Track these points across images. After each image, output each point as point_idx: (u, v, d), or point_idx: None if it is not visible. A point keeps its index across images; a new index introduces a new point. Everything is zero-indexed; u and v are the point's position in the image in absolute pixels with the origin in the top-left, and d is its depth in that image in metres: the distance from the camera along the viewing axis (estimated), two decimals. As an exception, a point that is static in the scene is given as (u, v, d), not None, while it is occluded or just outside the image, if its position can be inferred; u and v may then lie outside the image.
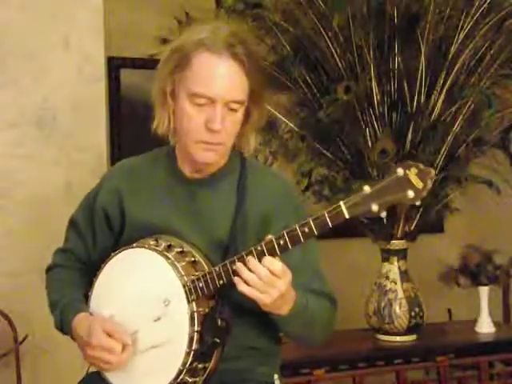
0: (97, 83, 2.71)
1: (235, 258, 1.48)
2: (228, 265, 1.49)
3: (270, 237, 1.46)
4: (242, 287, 1.45)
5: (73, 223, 1.79)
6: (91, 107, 2.69)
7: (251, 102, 1.61)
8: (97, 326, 1.57)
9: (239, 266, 1.45)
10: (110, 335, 1.56)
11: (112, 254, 1.66)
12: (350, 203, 1.39)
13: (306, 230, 1.43)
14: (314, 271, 1.65)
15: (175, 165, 1.68)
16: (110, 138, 3.19)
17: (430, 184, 1.37)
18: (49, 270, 1.81)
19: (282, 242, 1.44)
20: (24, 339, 2.49)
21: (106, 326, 1.57)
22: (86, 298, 1.69)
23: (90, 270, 1.73)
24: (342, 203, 1.40)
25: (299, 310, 1.54)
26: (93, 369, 1.68)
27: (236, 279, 1.46)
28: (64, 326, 1.67)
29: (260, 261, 1.45)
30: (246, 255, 1.47)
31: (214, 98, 1.55)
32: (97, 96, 2.71)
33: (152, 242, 1.61)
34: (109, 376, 1.62)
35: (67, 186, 2.62)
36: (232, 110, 1.57)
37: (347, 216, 1.40)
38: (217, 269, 1.51)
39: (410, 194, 1.37)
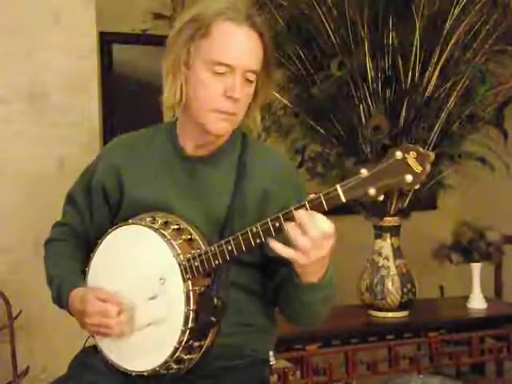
0: (89, 58, 2.69)
1: (230, 238, 1.47)
2: (224, 245, 1.48)
3: (266, 220, 1.43)
4: (282, 251, 1.40)
5: (70, 198, 1.78)
6: (83, 83, 2.67)
7: (259, 80, 1.61)
8: (90, 294, 1.59)
9: (290, 226, 1.39)
10: (104, 301, 1.56)
11: (109, 231, 1.66)
12: (347, 187, 1.36)
13: None
14: None
15: (175, 141, 1.67)
16: (102, 114, 3.17)
17: (428, 168, 1.33)
18: (47, 243, 1.81)
19: (277, 224, 1.42)
20: (18, 314, 2.49)
21: (98, 294, 1.58)
22: (83, 272, 1.69)
23: (87, 245, 1.74)
24: (338, 186, 1.37)
25: (327, 280, 1.50)
26: (89, 343, 1.69)
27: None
28: (61, 301, 1.68)
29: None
30: (242, 235, 1.45)
31: (234, 66, 1.55)
32: (89, 71, 2.69)
33: (148, 219, 1.60)
34: (106, 351, 1.63)
35: (60, 162, 2.61)
36: (248, 80, 1.57)
37: (344, 200, 1.37)
38: (212, 249, 1.50)
39: (409, 178, 1.33)
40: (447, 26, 2.67)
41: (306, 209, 1.39)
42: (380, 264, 2.79)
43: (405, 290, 2.78)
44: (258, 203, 1.57)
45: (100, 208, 1.72)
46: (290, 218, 1.41)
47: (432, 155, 1.33)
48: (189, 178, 1.63)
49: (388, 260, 2.79)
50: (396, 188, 1.35)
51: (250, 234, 1.44)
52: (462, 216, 3.21)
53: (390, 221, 2.81)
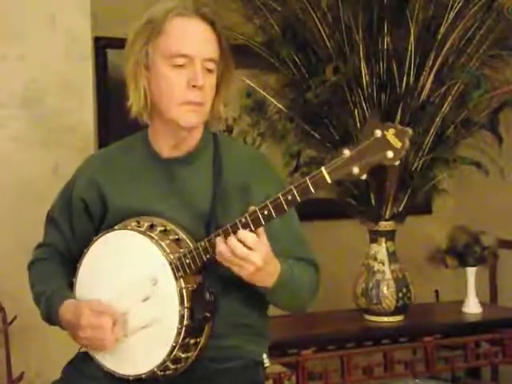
0: (84, 63, 2.69)
1: (220, 231, 1.49)
2: (213, 239, 1.50)
3: (253, 208, 1.47)
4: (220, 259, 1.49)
5: (50, 218, 1.80)
6: (78, 87, 2.67)
7: (219, 70, 1.65)
8: (83, 307, 1.58)
9: (217, 240, 1.48)
10: (98, 314, 1.56)
11: (94, 239, 1.66)
12: (331, 168, 1.40)
13: (289, 197, 1.44)
14: (296, 238, 1.68)
15: (150, 147, 1.71)
16: (97, 119, 3.16)
17: (407, 143, 1.36)
18: (30, 265, 1.82)
19: (266, 212, 1.45)
20: (13, 320, 2.48)
21: (92, 306, 1.58)
22: (71, 286, 1.69)
23: (70, 261, 1.74)
24: (323, 168, 1.40)
25: (285, 280, 1.56)
26: (84, 349, 1.68)
27: (216, 251, 1.48)
28: (51, 316, 1.67)
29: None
30: (231, 227, 1.48)
31: (192, 56, 1.60)
32: (84, 76, 2.69)
33: (134, 224, 1.62)
34: (100, 358, 1.62)
35: (54, 167, 2.61)
36: (208, 70, 1.62)
37: (329, 181, 1.40)
38: (202, 243, 1.52)
39: (389, 154, 1.37)
40: (442, 30, 2.68)
41: (293, 194, 1.43)
42: (375, 268, 2.80)
43: (400, 294, 2.78)
44: (238, 194, 1.60)
45: (81, 221, 1.74)
46: (277, 204, 1.44)
47: (410, 130, 1.37)
48: (168, 180, 1.67)
49: (383, 264, 2.79)
50: (378, 164, 1.38)
51: (239, 224, 1.47)
52: (456, 220, 3.21)
53: (385, 225, 2.81)
